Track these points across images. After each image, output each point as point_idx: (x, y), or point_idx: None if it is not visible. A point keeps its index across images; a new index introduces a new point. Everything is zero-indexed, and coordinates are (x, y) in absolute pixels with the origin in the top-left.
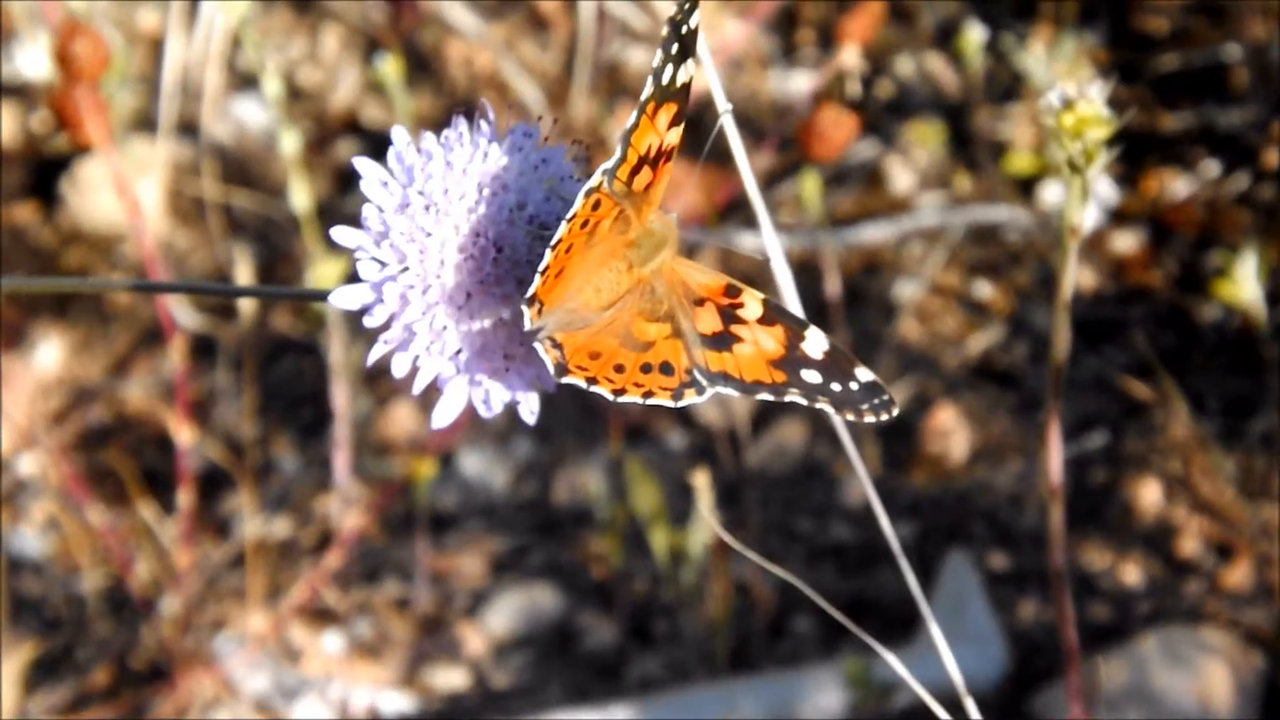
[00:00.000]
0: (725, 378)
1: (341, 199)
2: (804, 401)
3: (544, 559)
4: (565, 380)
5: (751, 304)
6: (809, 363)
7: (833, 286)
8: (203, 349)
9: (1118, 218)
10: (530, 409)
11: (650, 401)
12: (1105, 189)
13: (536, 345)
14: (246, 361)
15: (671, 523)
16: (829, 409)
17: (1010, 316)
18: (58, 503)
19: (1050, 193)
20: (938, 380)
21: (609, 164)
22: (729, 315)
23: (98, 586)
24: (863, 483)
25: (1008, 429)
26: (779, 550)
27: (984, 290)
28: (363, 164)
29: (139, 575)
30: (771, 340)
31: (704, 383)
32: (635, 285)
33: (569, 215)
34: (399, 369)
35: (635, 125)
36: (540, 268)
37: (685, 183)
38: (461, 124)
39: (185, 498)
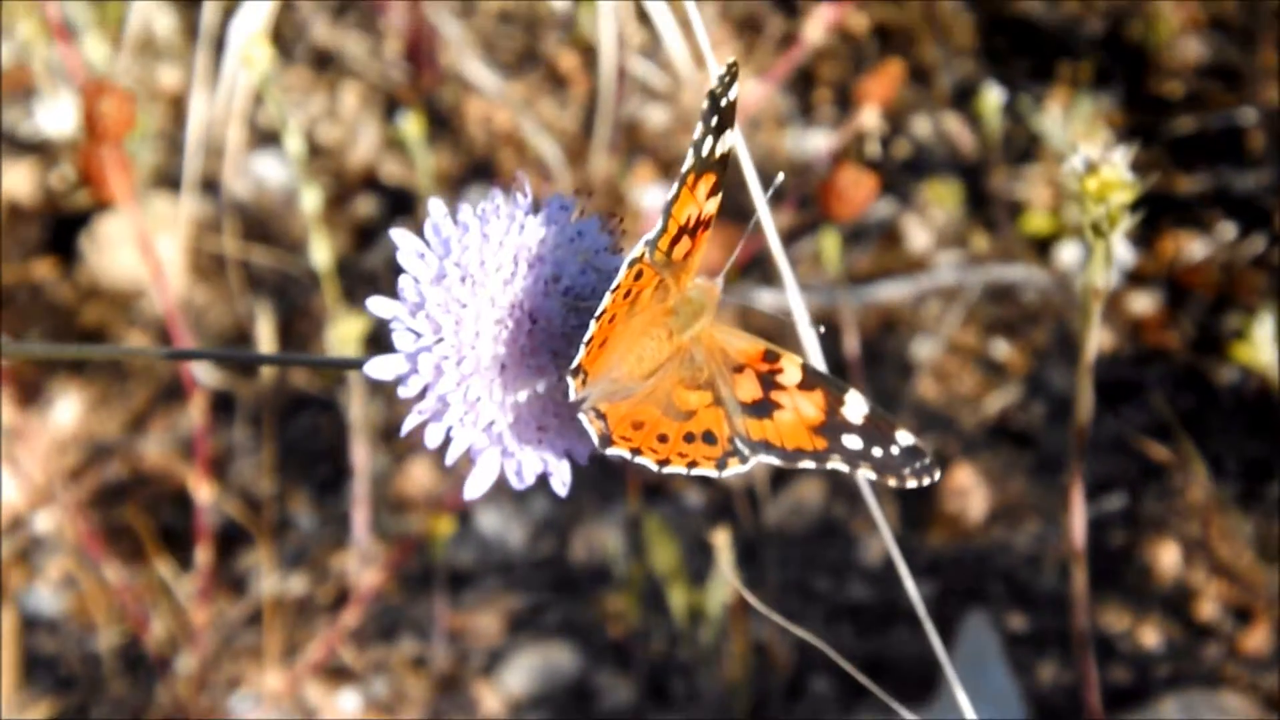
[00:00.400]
0: (767, 446)
1: (361, 255)
2: (846, 469)
3: (561, 617)
4: (610, 452)
5: (790, 369)
6: (849, 428)
7: (851, 345)
8: (221, 405)
9: (1135, 279)
10: (562, 480)
11: (695, 472)
12: (1122, 250)
13: (581, 416)
14: (265, 418)
15: (690, 581)
16: (871, 474)
17: (1027, 376)
18: (74, 560)
19: (1067, 253)
20: (955, 439)
21: (651, 235)
22: (768, 381)
23: (113, 644)
24: (885, 541)
25: (1025, 489)
26: (797, 609)
27: (1001, 350)
28: (400, 236)
29: (155, 633)
30: (811, 406)
31: (746, 452)
32: (675, 353)
33: (613, 285)
34: (432, 440)
35: (676, 196)
36: (585, 338)
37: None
38: (498, 195)
39: (203, 555)
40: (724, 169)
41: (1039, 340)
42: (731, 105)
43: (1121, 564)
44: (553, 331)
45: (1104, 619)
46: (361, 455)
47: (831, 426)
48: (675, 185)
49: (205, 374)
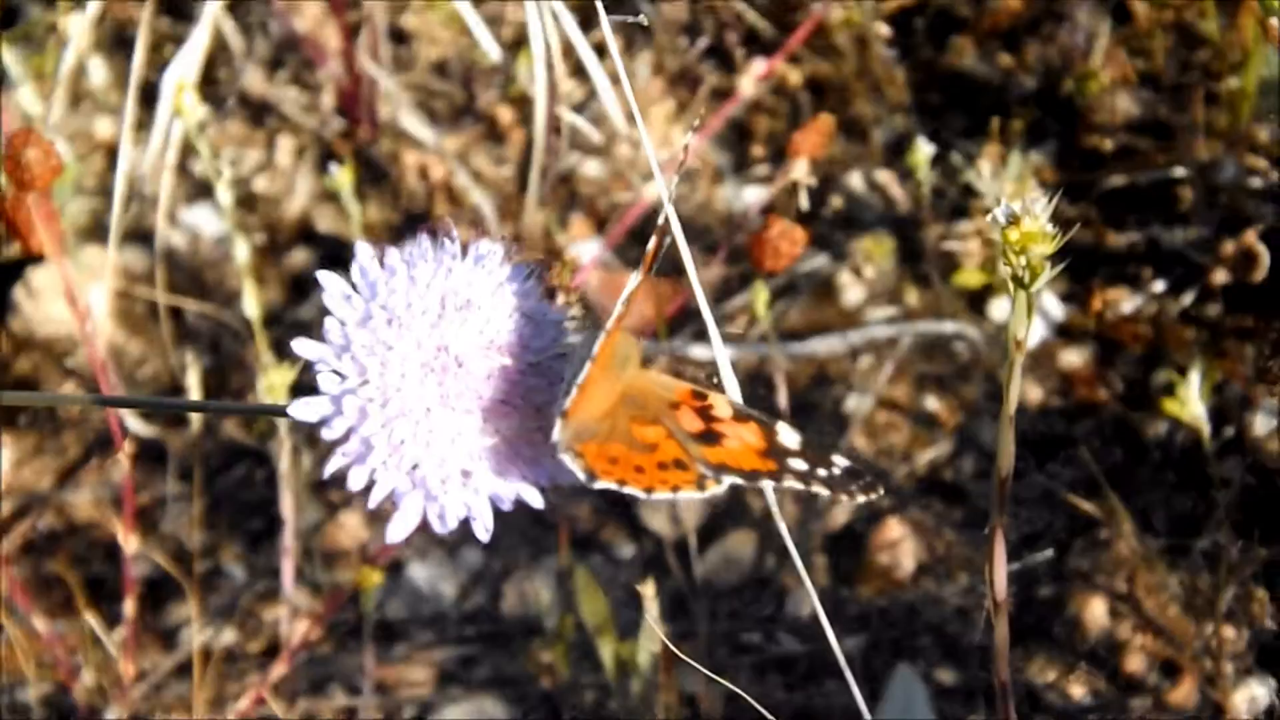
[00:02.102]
0: (726, 469)
1: (294, 307)
2: (801, 486)
3: (492, 669)
4: (598, 484)
5: (720, 405)
6: (790, 453)
7: (782, 399)
8: (153, 456)
9: (1065, 333)
10: (485, 526)
11: (680, 495)
12: (1052, 305)
13: (564, 457)
14: (196, 469)
15: (621, 633)
16: (824, 491)
17: (958, 430)
18: (3, 610)
19: (999, 308)
20: (886, 494)
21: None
22: (705, 415)
23: (42, 695)
24: (810, 596)
25: (955, 543)
26: (727, 662)
27: (932, 404)
28: (326, 278)
29: (84, 684)
30: (751, 434)
31: (710, 475)
32: (621, 397)
33: (590, 354)
34: (356, 482)
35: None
36: (571, 389)
37: (636, 295)
38: (425, 240)
39: (130, 606)
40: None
41: (970, 395)
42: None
43: (1049, 617)
44: (478, 375)
45: (1031, 672)
46: (291, 507)
47: (775, 451)
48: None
49: (136, 425)
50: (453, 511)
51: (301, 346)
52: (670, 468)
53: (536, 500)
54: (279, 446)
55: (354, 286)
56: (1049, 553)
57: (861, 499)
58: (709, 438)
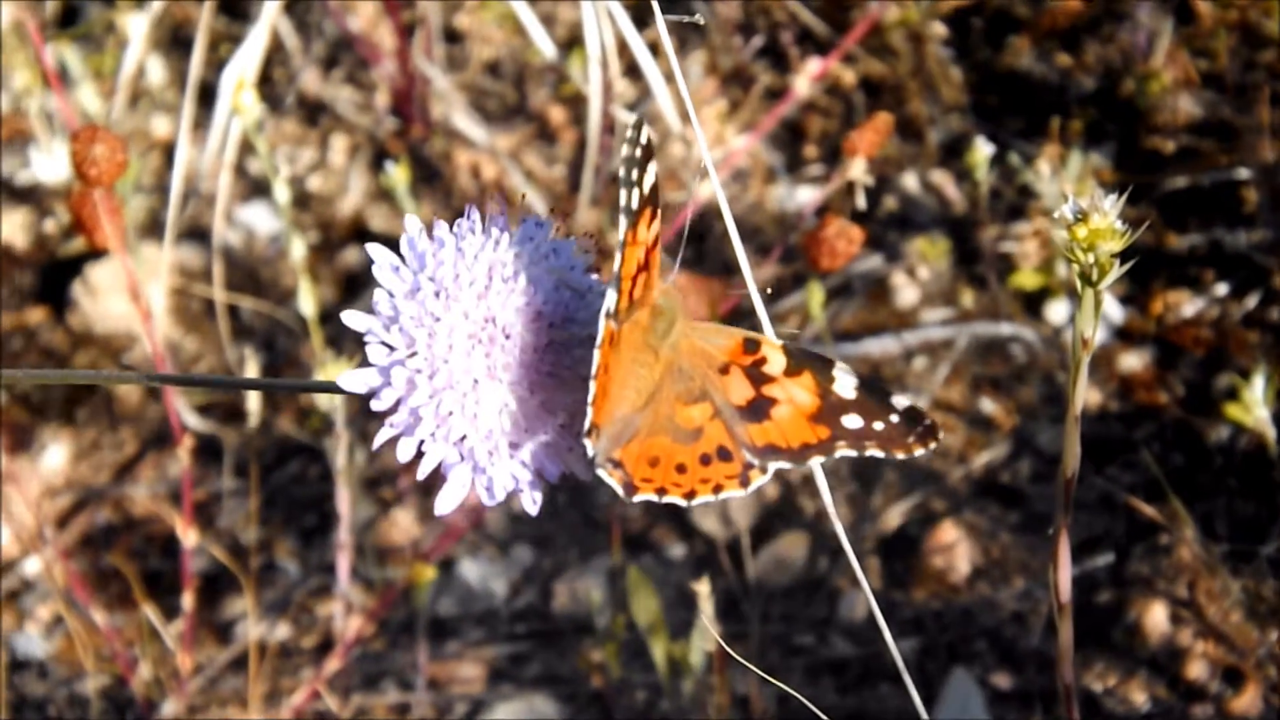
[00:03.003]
0: (774, 450)
1: (348, 304)
2: (854, 453)
3: (543, 668)
4: (636, 498)
5: (773, 355)
6: (846, 406)
7: None
8: (209, 452)
9: (1125, 336)
10: (533, 499)
11: (722, 496)
12: (1112, 307)
13: (600, 473)
14: (252, 465)
15: (672, 633)
16: (879, 452)
17: (1014, 433)
18: (63, 603)
19: (1055, 310)
20: (941, 496)
21: (609, 305)
22: (756, 375)
23: (100, 687)
24: (866, 596)
25: (1011, 546)
26: (779, 663)
27: (988, 406)
28: (375, 250)
29: (141, 677)
30: (804, 391)
31: (757, 462)
32: (665, 371)
33: (597, 342)
34: (404, 453)
35: (623, 260)
36: (589, 398)
37: (690, 293)
38: (474, 214)
39: (188, 600)
40: (656, 200)
41: (1026, 397)
42: (647, 152)
43: (1109, 623)
44: (525, 346)
45: (1090, 677)
46: (346, 503)
47: (829, 409)
48: (618, 251)
49: (193, 420)
50: (500, 483)
51: (351, 318)
52: (714, 460)
53: (586, 473)
54: (334, 443)
55: (402, 258)
56: (1109, 557)
57: (919, 451)
58: (757, 410)
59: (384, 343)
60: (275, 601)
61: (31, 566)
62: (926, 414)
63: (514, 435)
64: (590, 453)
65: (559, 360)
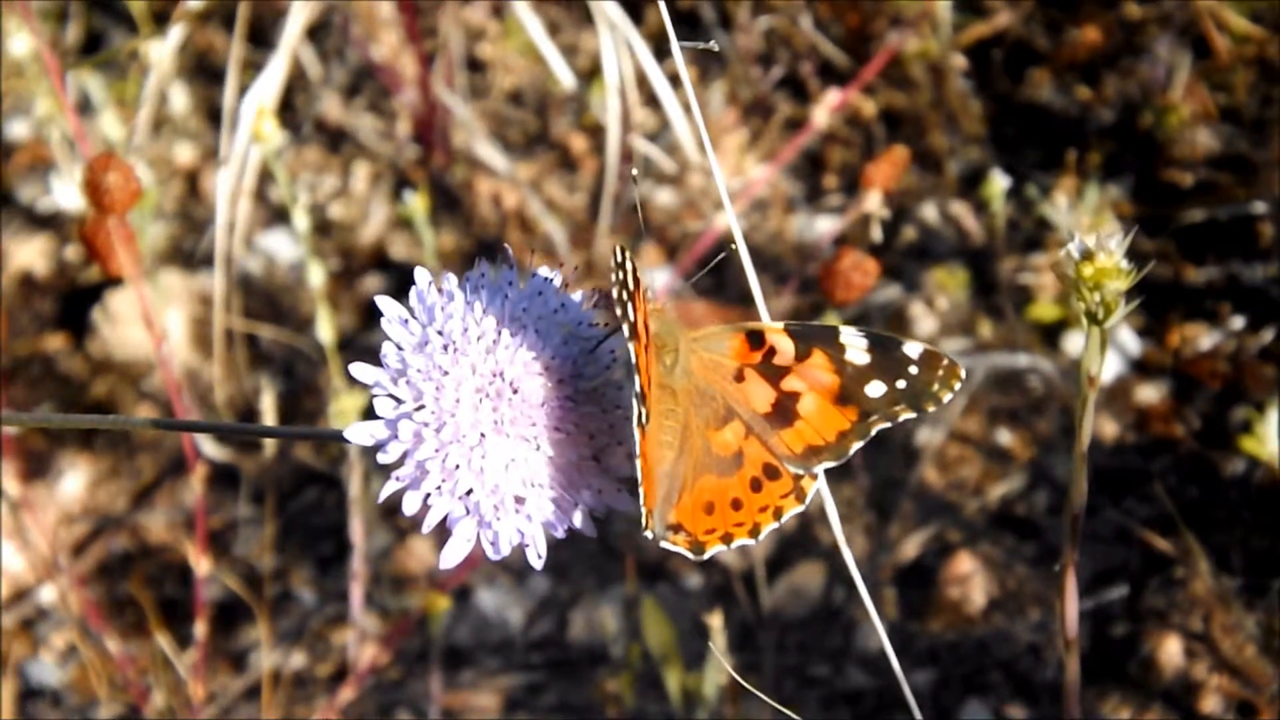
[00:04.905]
0: (813, 452)
1: (367, 332)
2: (889, 423)
3: (558, 697)
4: (707, 555)
5: (779, 341)
6: (864, 375)
7: None
8: (227, 479)
9: (1141, 369)
10: (538, 553)
11: (785, 518)
12: (1128, 339)
13: (665, 545)
14: (268, 493)
15: (687, 663)
16: (910, 414)
17: (1031, 465)
18: (77, 631)
19: (1074, 342)
20: (957, 527)
21: (634, 414)
22: (770, 371)
23: (114, 715)
24: (878, 629)
25: (1027, 578)
26: (794, 695)
27: (1005, 438)
28: (384, 302)
29: (155, 705)
30: (820, 371)
31: (802, 470)
32: (687, 402)
33: (634, 423)
34: (410, 506)
35: (639, 371)
36: (639, 484)
37: (707, 322)
38: (484, 265)
39: (201, 628)
40: (638, 282)
41: (1043, 429)
42: (636, 281)
43: (1123, 656)
44: (533, 402)
45: (1105, 710)
46: (361, 532)
47: (849, 383)
48: (634, 374)
49: (210, 448)
50: (505, 538)
51: (360, 370)
52: (765, 484)
53: (590, 529)
54: (350, 471)
55: (411, 311)
56: (1123, 590)
57: (947, 396)
58: (784, 413)
59: (391, 395)
60: (290, 630)
61: (47, 594)
62: (942, 353)
63: (520, 490)
64: (650, 536)
65: (566, 415)
